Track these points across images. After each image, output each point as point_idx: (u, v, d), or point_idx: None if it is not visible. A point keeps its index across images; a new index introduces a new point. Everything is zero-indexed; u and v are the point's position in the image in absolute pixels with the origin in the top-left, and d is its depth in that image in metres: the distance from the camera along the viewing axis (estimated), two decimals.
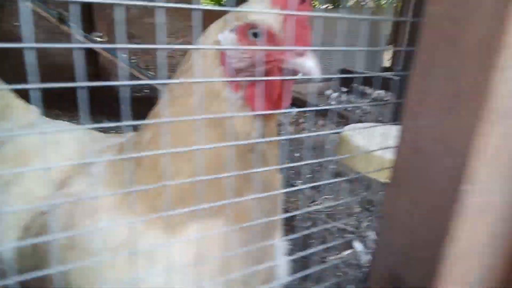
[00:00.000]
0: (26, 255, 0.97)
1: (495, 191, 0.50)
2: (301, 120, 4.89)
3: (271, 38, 0.77)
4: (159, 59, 0.63)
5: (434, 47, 0.48)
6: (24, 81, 0.50)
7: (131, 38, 5.38)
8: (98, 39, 3.71)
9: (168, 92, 0.90)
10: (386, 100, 5.44)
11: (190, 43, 4.78)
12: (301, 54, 0.75)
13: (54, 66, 3.72)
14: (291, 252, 0.92)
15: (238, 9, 0.82)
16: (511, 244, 0.56)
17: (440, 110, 0.48)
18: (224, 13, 0.83)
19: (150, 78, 3.84)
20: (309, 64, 0.74)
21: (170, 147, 0.85)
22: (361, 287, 2.01)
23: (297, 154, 3.78)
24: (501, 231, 0.54)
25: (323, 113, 4.85)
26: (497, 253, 0.56)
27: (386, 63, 7.32)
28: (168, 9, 0.51)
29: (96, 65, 5.25)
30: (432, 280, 0.52)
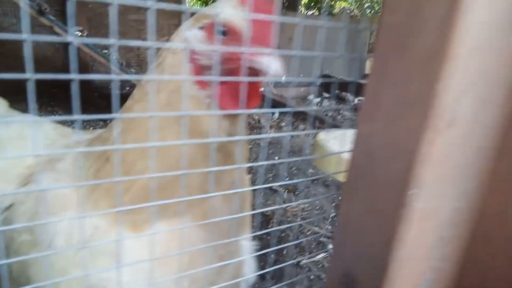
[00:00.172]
0: None
1: (443, 196, 0.52)
2: (282, 124, 4.93)
3: (237, 36, 0.77)
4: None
5: (387, 55, 0.49)
6: None
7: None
8: (78, 33, 3.64)
9: (139, 88, 0.90)
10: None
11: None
12: (265, 53, 0.75)
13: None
14: (264, 253, 0.92)
15: (207, 8, 0.82)
16: (459, 248, 0.58)
17: (391, 115, 0.50)
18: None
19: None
20: (272, 64, 0.73)
21: (138, 143, 0.84)
22: None
23: (276, 157, 3.82)
24: (449, 235, 0.56)
25: (303, 118, 4.91)
26: (446, 257, 0.58)
27: (369, 70, 7.45)
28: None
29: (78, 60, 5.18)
30: (382, 282, 0.54)
